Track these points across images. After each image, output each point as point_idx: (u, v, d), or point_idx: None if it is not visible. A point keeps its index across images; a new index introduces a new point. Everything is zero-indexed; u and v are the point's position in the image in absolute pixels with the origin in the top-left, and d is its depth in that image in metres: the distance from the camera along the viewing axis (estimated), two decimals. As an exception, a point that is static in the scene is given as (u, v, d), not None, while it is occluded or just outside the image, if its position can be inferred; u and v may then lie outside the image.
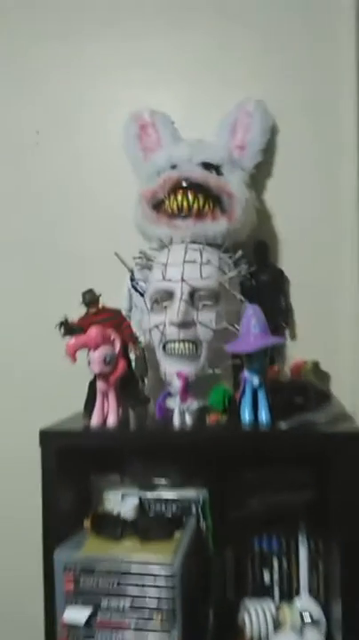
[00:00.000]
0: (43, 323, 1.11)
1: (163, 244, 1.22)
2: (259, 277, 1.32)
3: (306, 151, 1.37)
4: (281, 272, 1.36)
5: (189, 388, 1.01)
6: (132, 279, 1.31)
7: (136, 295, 1.30)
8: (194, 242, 1.17)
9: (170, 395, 1.00)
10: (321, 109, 1.36)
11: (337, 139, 1.36)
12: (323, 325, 1.37)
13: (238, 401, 1.05)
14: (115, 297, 1.29)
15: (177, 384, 0.98)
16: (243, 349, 0.97)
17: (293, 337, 1.39)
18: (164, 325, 1.12)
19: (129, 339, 1.04)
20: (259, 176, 1.35)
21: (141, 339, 1.17)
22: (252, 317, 0.96)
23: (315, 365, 1.29)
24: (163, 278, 1.13)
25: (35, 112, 1.47)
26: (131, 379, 1.03)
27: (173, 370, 1.10)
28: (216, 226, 1.18)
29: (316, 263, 1.37)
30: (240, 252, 1.21)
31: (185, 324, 1.10)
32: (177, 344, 1.10)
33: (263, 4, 1.37)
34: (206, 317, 1.12)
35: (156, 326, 1.13)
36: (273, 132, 1.35)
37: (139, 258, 1.28)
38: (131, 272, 1.29)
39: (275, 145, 1.37)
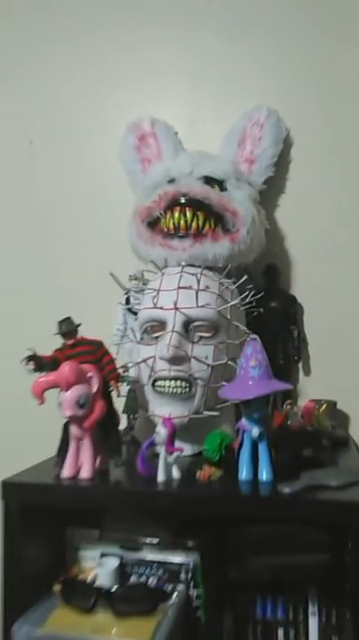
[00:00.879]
0: (18, 351, 0.96)
1: (157, 266, 1.07)
2: (269, 305, 1.17)
3: (322, 166, 1.22)
4: (293, 299, 1.21)
5: (176, 437, 0.85)
6: (128, 300, 1.17)
7: (132, 319, 1.16)
8: (191, 265, 1.03)
9: (154, 444, 0.85)
10: (339, 119, 1.22)
11: (357, 152, 1.20)
12: (340, 359, 1.21)
13: (236, 452, 0.88)
14: (109, 321, 1.16)
15: (162, 432, 0.83)
16: (240, 397, 0.81)
17: (307, 372, 1.23)
18: (154, 360, 0.97)
19: (111, 376, 0.89)
20: (269, 192, 1.20)
21: (132, 371, 1.02)
22: (252, 357, 0.80)
23: (332, 406, 1.12)
24: (155, 306, 0.98)
25: (28, 121, 1.36)
26: (111, 423, 0.88)
27: (163, 411, 0.95)
28: (217, 247, 1.03)
29: (333, 289, 1.22)
30: (245, 277, 1.05)
31: (177, 359, 0.94)
32: (167, 382, 0.95)
33: (277, 4, 1.23)
34: (202, 352, 0.96)
35: (145, 360, 0.98)
36: (286, 144, 1.20)
37: (135, 278, 1.15)
38: (127, 292, 1.15)
39: (288, 158, 1.23)
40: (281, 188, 1.23)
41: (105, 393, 0.88)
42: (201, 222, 1.04)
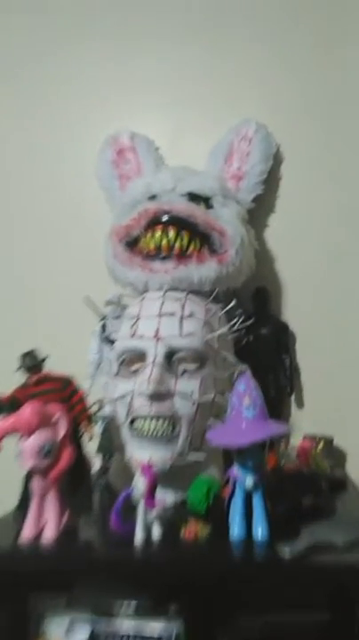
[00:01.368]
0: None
1: (137, 290, 0.96)
2: (259, 332, 1.07)
3: (314, 183, 1.14)
4: (284, 326, 1.11)
5: (157, 488, 0.73)
6: (104, 328, 1.06)
7: (108, 348, 1.04)
8: (175, 289, 0.92)
9: (131, 496, 0.73)
10: (330, 134, 1.14)
11: (351, 169, 1.12)
12: (335, 391, 1.11)
13: (226, 501, 0.77)
14: (82, 352, 1.04)
15: (141, 483, 0.71)
16: (233, 443, 0.69)
17: (300, 405, 1.13)
18: (132, 396, 0.85)
19: (81, 417, 0.77)
20: (258, 211, 1.11)
21: (107, 408, 0.90)
22: (245, 395, 0.69)
23: (329, 444, 1.01)
24: (133, 335, 0.87)
25: (2, 135, 1.25)
26: (80, 473, 0.75)
27: (142, 455, 0.82)
28: (203, 270, 0.93)
29: (327, 314, 1.13)
30: (234, 302, 0.95)
31: (159, 396, 0.83)
32: (148, 422, 0.83)
33: (263, 17, 1.16)
34: (187, 386, 0.85)
35: (122, 397, 0.86)
36: (275, 160, 1.12)
37: (113, 304, 1.04)
38: (103, 319, 1.04)
39: (277, 175, 1.14)
40: (270, 206, 1.14)
41: (74, 438, 0.76)
42: (185, 242, 0.93)
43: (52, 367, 0.87)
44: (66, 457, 0.72)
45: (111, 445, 0.92)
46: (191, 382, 0.85)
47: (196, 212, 0.95)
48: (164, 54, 1.19)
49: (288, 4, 1.15)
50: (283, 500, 0.77)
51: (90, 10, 1.22)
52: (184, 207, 0.94)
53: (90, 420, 0.78)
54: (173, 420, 0.84)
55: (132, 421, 0.85)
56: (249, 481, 0.70)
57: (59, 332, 1.14)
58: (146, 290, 0.95)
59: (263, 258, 1.10)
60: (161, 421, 0.83)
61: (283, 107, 1.15)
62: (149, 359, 0.85)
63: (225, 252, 0.95)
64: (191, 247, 0.94)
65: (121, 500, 0.72)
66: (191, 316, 0.88)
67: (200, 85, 1.18)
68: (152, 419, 0.83)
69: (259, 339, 1.07)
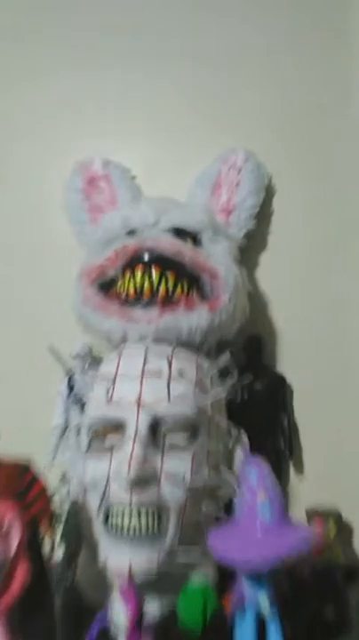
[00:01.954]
0: None
1: (113, 343, 0.79)
2: (253, 387, 0.91)
3: (309, 218, 1.01)
4: (281, 379, 0.96)
5: (142, 622, 0.54)
6: (72, 386, 0.89)
7: (76, 411, 0.87)
8: (159, 342, 0.76)
9: (107, 629, 0.54)
10: (327, 163, 1.02)
11: (350, 202, 1.01)
12: (339, 454, 0.96)
13: (229, 618, 0.59)
14: (44, 421, 0.87)
15: (122, 615, 0.52)
16: (249, 560, 0.52)
17: (299, 470, 0.96)
18: (107, 481, 0.67)
19: (42, 517, 0.58)
20: (249, 248, 0.97)
21: (75, 494, 0.71)
22: (259, 490, 0.52)
23: (338, 522, 0.85)
24: (109, 400, 0.70)
25: None
26: (38, 598, 0.56)
27: (119, 560, 0.64)
28: (193, 318, 0.77)
29: (327, 365, 0.98)
30: (228, 355, 0.79)
31: (141, 481, 0.65)
32: (127, 516, 0.65)
33: (251, 39, 1.05)
34: (177, 466, 0.68)
35: (94, 482, 0.68)
36: (267, 192, 0.99)
37: (82, 356, 0.87)
38: (70, 375, 0.86)
39: (270, 209, 1.01)
40: (262, 243, 1.01)
41: (32, 547, 0.57)
42: (171, 285, 0.78)
43: (4, 442, 0.68)
44: (20, 577, 0.53)
45: (78, 534, 0.73)
46: (182, 460, 0.68)
47: (183, 249, 0.80)
48: (141, 76, 1.06)
49: (274, 25, 1.05)
50: (302, 617, 0.60)
51: (63, 31, 1.09)
52: (169, 244, 0.79)
53: (53, 519, 0.60)
54: (159, 512, 0.66)
55: (107, 514, 0.67)
56: (264, 603, 0.53)
57: (14, 390, 0.96)
58: (123, 342, 0.78)
59: (255, 301, 0.96)
60: (144, 515, 0.65)
61: (273, 134, 1.03)
62: (129, 432, 0.67)
63: (217, 296, 0.80)
64: (178, 291, 0.79)
65: (94, 632, 0.53)
66: (180, 375, 0.72)
67: (181, 109, 1.05)
68: (132, 512, 0.65)
69: (253, 395, 0.91)
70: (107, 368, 0.75)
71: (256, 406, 0.92)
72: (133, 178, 1.02)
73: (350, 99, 1.02)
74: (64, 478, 0.75)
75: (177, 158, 1.04)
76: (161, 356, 0.73)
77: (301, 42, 1.03)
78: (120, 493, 0.65)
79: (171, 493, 0.66)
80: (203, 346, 0.78)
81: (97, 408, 0.71)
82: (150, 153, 1.05)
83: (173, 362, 0.73)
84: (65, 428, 0.89)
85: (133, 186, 1.00)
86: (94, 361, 0.88)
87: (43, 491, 0.60)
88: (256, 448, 0.80)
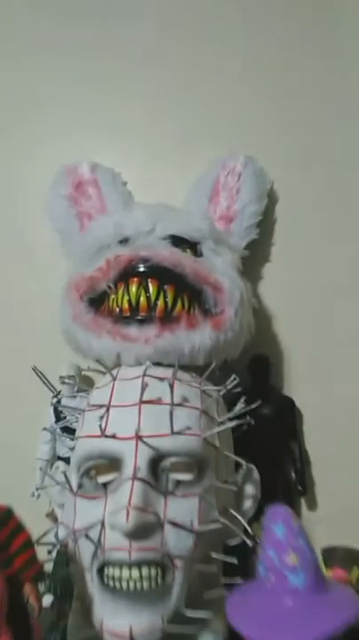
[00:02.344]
0: None
1: (105, 366, 0.70)
2: (259, 412, 0.81)
3: (316, 226, 0.93)
4: (290, 402, 0.88)
5: None
6: (59, 411, 0.80)
7: (64, 441, 0.78)
8: (158, 364, 0.67)
9: None
10: (332, 168, 0.94)
11: (355, 206, 0.93)
12: (355, 487, 0.86)
13: None
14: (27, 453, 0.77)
15: None
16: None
17: (312, 506, 0.87)
18: (102, 529, 0.57)
19: (26, 574, 0.48)
20: (251, 260, 0.89)
21: (62, 529, 0.61)
22: (288, 549, 0.43)
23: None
24: (103, 433, 0.60)
25: None
26: None
27: (117, 623, 0.54)
28: (195, 337, 0.68)
29: (341, 386, 0.89)
30: (234, 379, 0.70)
31: (142, 530, 0.55)
32: (126, 570, 0.55)
33: (256, 33, 0.98)
34: (183, 509, 0.58)
35: (86, 527, 0.58)
36: (270, 199, 0.91)
37: (67, 382, 0.78)
38: (57, 395, 0.77)
39: (272, 217, 0.93)
40: (265, 254, 0.93)
41: (14, 610, 0.46)
42: (170, 300, 0.69)
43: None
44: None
45: (68, 586, 0.63)
46: (188, 502, 0.59)
47: (184, 260, 0.71)
48: (136, 73, 0.98)
49: (273, 28, 0.98)
50: None
51: (52, 20, 1.01)
52: (168, 254, 0.70)
53: (37, 577, 0.49)
54: (163, 564, 0.56)
55: (102, 569, 0.56)
56: None
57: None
58: (117, 365, 0.69)
59: (258, 317, 0.87)
60: (145, 567, 0.55)
61: (275, 138, 0.95)
62: (127, 470, 0.58)
63: (221, 312, 0.71)
64: (178, 306, 0.70)
65: None
66: (184, 402, 0.63)
67: (177, 111, 0.97)
68: (132, 566, 0.55)
69: (259, 421, 0.81)
70: (99, 394, 0.65)
71: (263, 433, 0.82)
72: (124, 183, 0.94)
73: (355, 101, 0.96)
74: (52, 517, 0.65)
75: (172, 163, 0.95)
76: (160, 381, 0.64)
77: (303, 42, 0.97)
78: (117, 542, 0.55)
79: (177, 542, 0.56)
80: (208, 368, 0.69)
81: (88, 441, 0.61)
82: (143, 156, 0.97)
83: (175, 387, 0.63)
84: (52, 461, 0.79)
85: (125, 191, 0.92)
86: (84, 384, 0.78)
87: (27, 542, 0.50)
88: (264, 482, 0.72)
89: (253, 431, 0.79)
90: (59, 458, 0.79)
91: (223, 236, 0.81)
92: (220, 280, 0.72)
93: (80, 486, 0.61)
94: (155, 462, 0.59)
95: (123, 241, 0.74)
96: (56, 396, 0.78)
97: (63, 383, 0.82)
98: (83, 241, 0.79)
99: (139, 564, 0.55)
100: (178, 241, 0.74)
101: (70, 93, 0.99)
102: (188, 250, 0.75)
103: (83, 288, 0.72)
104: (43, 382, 0.73)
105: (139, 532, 0.54)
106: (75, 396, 0.80)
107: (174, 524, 0.57)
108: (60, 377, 0.82)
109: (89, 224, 0.84)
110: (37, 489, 0.78)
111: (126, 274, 0.70)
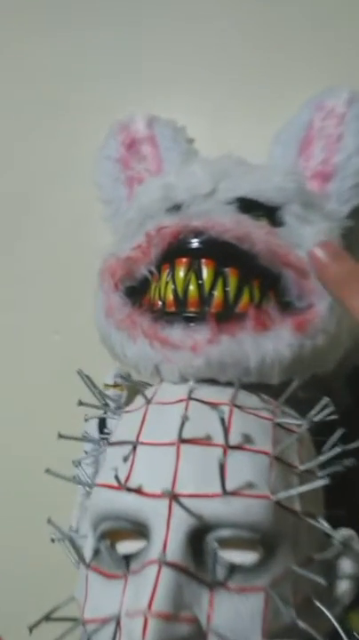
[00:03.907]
0: None
1: (143, 377, 0.50)
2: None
3: None
4: None
5: None
6: (104, 428, 0.64)
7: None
8: (211, 382, 0.46)
9: None
10: None
11: None
12: None
13: None
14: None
15: None
16: None
17: None
18: (117, 630, 0.38)
19: None
20: (357, 233, 0.63)
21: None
22: None
23: None
24: (122, 484, 0.40)
25: None
26: None
27: None
28: (268, 343, 0.46)
29: None
30: (327, 405, 0.47)
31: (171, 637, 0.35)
32: None
33: None
34: (239, 613, 0.37)
35: (99, 618, 0.39)
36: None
37: (117, 386, 0.62)
38: (105, 410, 0.60)
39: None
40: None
41: None
42: (232, 290, 0.47)
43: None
44: None
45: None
46: (248, 602, 0.38)
47: (254, 232, 0.48)
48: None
49: None
50: None
51: None
52: (230, 223, 0.48)
53: None
54: None
55: None
56: None
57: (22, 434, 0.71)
58: (155, 378, 0.49)
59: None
60: None
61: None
62: (154, 546, 0.38)
63: (309, 307, 0.48)
64: (243, 299, 0.48)
65: None
66: (245, 443, 0.41)
67: (253, 40, 0.73)
68: None
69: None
70: (126, 424, 0.46)
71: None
72: (191, 141, 0.73)
73: None
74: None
75: (249, 108, 0.73)
76: (212, 408, 0.43)
77: None
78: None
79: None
80: (286, 389, 0.46)
81: (104, 493, 0.42)
82: (211, 106, 0.75)
83: (233, 418, 0.42)
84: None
85: (189, 150, 0.71)
86: (137, 385, 0.59)
87: None
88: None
89: (352, 475, 0.56)
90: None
91: (316, 198, 0.57)
92: (307, 262, 0.49)
93: (96, 553, 0.42)
94: (198, 537, 0.38)
95: (174, 208, 0.53)
96: (104, 405, 0.60)
97: (108, 388, 0.65)
98: (127, 212, 0.60)
99: None
100: (248, 205, 0.51)
101: (128, 37, 0.80)
102: (264, 218, 0.52)
103: (119, 274, 0.53)
104: (91, 390, 0.55)
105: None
106: (119, 415, 0.61)
107: (223, 635, 0.36)
108: (105, 385, 0.65)
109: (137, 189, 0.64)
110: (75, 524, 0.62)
111: (172, 253, 0.49)
